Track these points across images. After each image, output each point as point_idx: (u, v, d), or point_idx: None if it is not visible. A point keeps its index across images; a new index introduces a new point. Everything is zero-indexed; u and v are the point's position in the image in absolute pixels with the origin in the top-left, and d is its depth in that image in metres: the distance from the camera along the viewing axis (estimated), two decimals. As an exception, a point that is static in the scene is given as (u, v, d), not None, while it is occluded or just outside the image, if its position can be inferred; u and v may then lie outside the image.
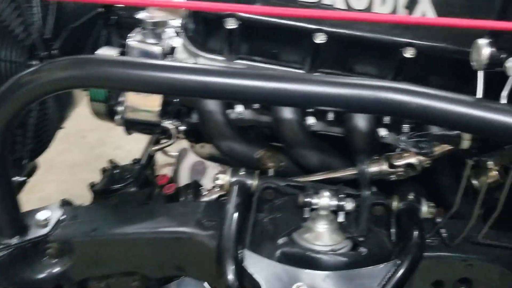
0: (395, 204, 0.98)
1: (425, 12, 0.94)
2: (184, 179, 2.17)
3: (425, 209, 0.99)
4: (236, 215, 0.90)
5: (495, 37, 0.75)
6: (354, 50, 0.96)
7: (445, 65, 0.96)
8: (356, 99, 0.74)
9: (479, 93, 0.77)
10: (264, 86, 0.74)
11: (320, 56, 0.95)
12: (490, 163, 0.82)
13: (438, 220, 1.05)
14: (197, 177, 2.13)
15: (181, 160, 2.13)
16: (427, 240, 1.01)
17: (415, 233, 0.93)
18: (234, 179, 0.97)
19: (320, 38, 0.91)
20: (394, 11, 0.93)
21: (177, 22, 1.17)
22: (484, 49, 0.74)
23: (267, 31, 0.96)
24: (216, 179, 0.98)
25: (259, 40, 0.99)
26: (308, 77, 0.76)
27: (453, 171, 1.12)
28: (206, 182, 2.01)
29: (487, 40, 0.76)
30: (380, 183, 1.03)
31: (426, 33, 0.92)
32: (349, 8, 0.93)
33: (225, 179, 0.97)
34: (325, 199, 0.91)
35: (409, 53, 0.90)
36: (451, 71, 0.97)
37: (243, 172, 0.98)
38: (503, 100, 0.78)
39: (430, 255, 1.00)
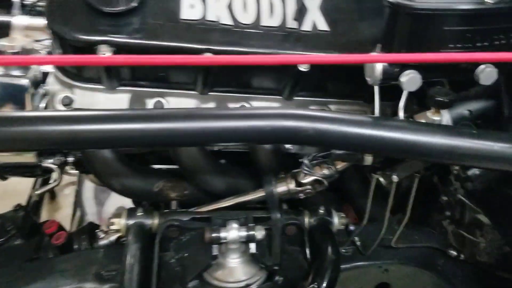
0: (307, 220, 0.95)
1: (315, 20, 0.89)
2: (88, 200, 2.02)
3: (337, 220, 0.96)
4: (136, 265, 0.81)
5: (387, 50, 0.72)
6: (247, 67, 0.90)
7: (341, 73, 0.93)
8: (251, 131, 0.67)
9: (377, 110, 0.74)
10: (147, 128, 0.65)
11: (212, 76, 0.87)
12: (394, 177, 0.80)
13: (351, 227, 1.03)
14: (102, 197, 1.99)
15: (84, 180, 1.96)
16: (342, 251, 0.99)
17: (329, 250, 0.91)
18: (131, 221, 0.88)
19: (208, 59, 0.83)
20: (283, 23, 0.88)
21: (48, 41, 1.02)
22: (377, 64, 0.71)
23: (149, 54, 0.86)
24: (111, 224, 0.88)
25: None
26: (195, 113, 0.68)
27: (360, 175, 1.11)
28: (112, 204, 1.88)
29: (380, 54, 0.72)
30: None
31: (318, 43, 0.88)
32: (236, 24, 0.86)
33: (120, 223, 0.87)
34: (233, 232, 0.85)
35: (303, 66, 0.85)
36: (348, 77, 0.94)
37: (141, 213, 0.89)
38: (400, 111, 0.76)
39: (347, 266, 0.99)
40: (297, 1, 0.89)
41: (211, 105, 0.92)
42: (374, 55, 0.71)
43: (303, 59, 0.74)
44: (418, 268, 1.01)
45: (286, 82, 0.91)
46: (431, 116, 0.73)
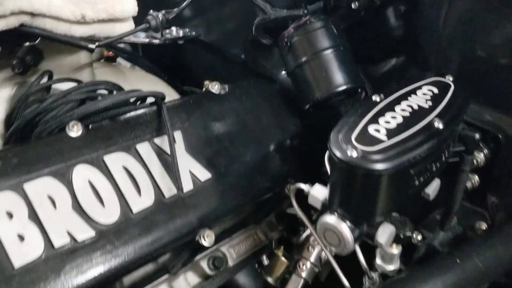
0: None
1: (192, 171, 0.66)
2: None
3: None
4: None
5: (344, 210, 0.55)
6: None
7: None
8: None
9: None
10: None
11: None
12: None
13: None
14: None
15: None
16: None
17: None
18: None
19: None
20: (159, 195, 0.61)
21: None
22: (345, 232, 0.54)
23: None
24: None
25: None
26: None
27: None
28: None
29: (333, 215, 0.55)
30: None
31: (209, 197, 0.66)
32: (99, 229, 0.55)
33: None
34: None
35: (208, 241, 0.62)
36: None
37: None
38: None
39: None
40: (160, 158, 0.63)
41: None
42: None
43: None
44: None
45: (179, 259, 0.66)
46: (388, 249, 0.62)
